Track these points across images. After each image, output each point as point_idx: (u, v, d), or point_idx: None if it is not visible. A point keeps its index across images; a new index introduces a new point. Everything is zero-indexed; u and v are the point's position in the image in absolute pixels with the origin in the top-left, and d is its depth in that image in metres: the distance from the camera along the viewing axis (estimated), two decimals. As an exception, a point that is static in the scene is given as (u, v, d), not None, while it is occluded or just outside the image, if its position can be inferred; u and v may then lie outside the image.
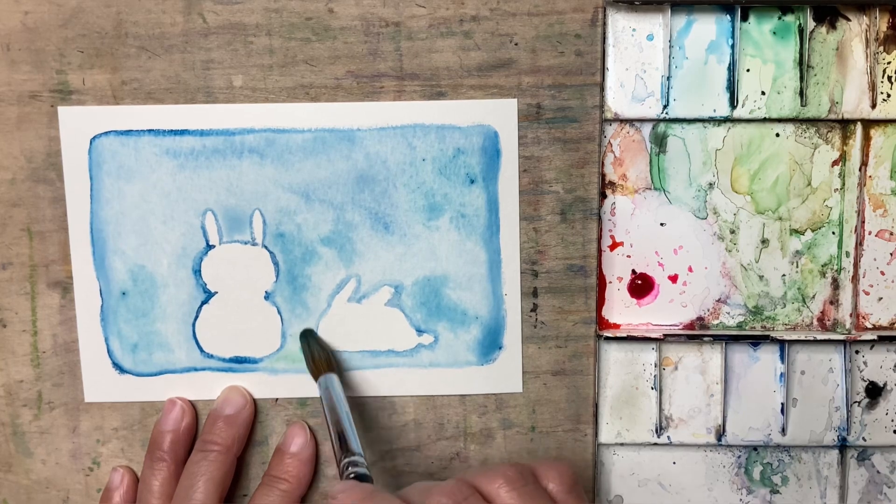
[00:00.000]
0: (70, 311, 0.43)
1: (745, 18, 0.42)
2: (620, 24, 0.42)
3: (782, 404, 0.44)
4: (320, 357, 0.42)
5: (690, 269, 0.44)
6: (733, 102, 0.42)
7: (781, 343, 0.44)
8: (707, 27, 0.42)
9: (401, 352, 0.44)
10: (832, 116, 0.42)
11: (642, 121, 0.43)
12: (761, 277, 0.44)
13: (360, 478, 0.36)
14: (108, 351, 0.44)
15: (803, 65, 0.42)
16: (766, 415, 0.45)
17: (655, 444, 0.45)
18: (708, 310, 0.44)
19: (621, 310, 0.44)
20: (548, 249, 0.43)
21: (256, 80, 0.42)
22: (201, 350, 0.44)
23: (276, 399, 0.44)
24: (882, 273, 0.44)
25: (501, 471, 0.35)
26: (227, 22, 0.41)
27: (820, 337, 0.44)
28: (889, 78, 0.42)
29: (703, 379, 0.44)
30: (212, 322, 0.43)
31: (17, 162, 0.43)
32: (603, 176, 0.43)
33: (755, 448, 0.45)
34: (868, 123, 0.43)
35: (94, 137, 0.42)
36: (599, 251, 0.44)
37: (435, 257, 0.43)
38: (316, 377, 0.41)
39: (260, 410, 0.44)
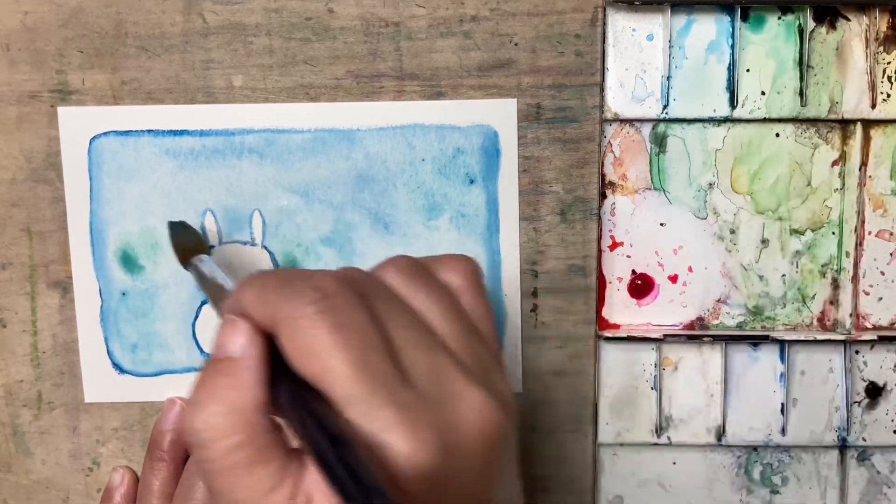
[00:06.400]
0: (70, 311, 0.43)
1: (745, 18, 0.42)
2: (620, 24, 0.42)
3: (782, 404, 0.44)
4: (193, 239, 0.40)
5: (690, 270, 0.44)
6: (733, 102, 0.42)
7: (781, 343, 0.44)
8: (707, 27, 0.42)
9: (401, 352, 0.44)
10: (832, 116, 0.42)
11: (642, 121, 0.43)
12: (761, 277, 0.44)
13: None
14: (108, 351, 0.44)
15: (803, 65, 0.42)
16: (766, 415, 0.44)
17: (655, 444, 0.45)
18: (708, 310, 0.44)
19: (621, 310, 0.44)
20: (548, 249, 0.43)
21: (256, 80, 0.42)
22: (201, 350, 0.44)
23: (276, 399, 0.44)
24: (882, 273, 0.44)
25: (391, 260, 0.31)
26: (227, 22, 0.41)
27: (820, 337, 0.44)
28: (889, 78, 0.42)
29: (703, 379, 0.44)
30: (212, 322, 0.43)
31: (16, 162, 0.43)
32: (603, 176, 0.43)
33: (755, 448, 0.45)
34: (868, 123, 0.43)
35: (93, 137, 0.42)
36: (599, 251, 0.44)
37: (435, 257, 0.43)
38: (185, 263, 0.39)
39: (260, 410, 0.44)
